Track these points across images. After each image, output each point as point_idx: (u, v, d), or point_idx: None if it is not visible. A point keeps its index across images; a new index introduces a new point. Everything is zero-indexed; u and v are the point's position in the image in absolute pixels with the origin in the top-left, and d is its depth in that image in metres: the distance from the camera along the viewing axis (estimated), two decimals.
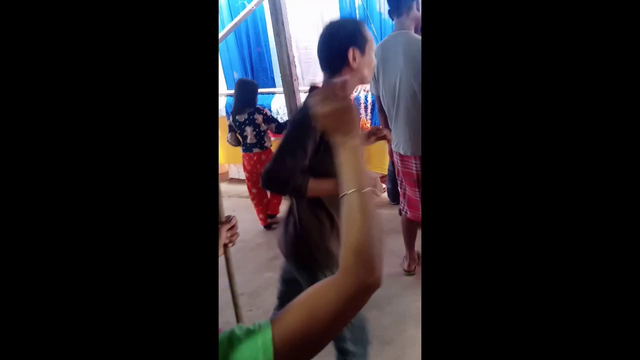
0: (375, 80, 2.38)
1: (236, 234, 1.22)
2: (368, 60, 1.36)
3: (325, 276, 1.41)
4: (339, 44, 1.32)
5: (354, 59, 1.32)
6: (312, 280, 1.53)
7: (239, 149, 3.69)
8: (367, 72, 1.38)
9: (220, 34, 4.11)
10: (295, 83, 3.37)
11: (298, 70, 3.51)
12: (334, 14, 3.92)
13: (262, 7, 3.96)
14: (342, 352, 1.49)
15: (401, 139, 2.33)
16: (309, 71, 4.10)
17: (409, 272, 2.77)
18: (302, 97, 3.59)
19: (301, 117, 1.32)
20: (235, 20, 3.94)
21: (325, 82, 1.39)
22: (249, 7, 3.82)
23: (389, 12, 2.25)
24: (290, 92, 3.38)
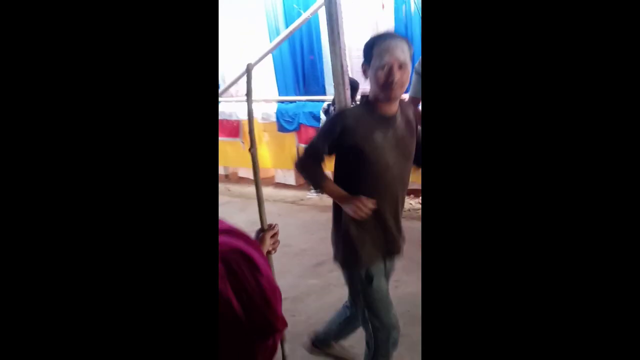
0: None
1: (277, 241, 1.24)
2: (371, 74, 1.40)
3: (362, 277, 1.49)
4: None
5: (364, 72, 1.44)
6: (351, 280, 1.57)
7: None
8: (374, 86, 1.41)
9: (275, 41, 4.20)
10: (347, 92, 3.38)
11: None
12: (389, 24, 3.91)
13: (317, 16, 4.01)
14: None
15: None
16: (362, 80, 4.10)
17: None
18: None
19: (334, 114, 1.60)
20: (291, 27, 4.00)
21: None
22: (304, 15, 3.87)
23: None
24: (341, 101, 3.39)
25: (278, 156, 4.57)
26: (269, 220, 1.25)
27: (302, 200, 4.45)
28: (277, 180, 4.98)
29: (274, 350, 0.87)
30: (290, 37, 4.22)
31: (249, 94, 1.21)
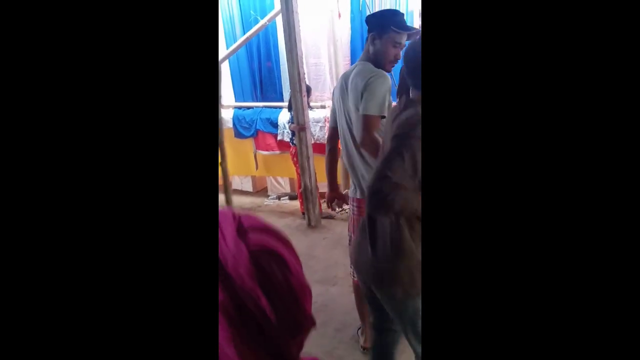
0: (332, 110, 2.09)
1: None
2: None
3: (408, 302, 1.33)
4: None
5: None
6: (406, 308, 1.36)
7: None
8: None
9: (232, 47, 4.17)
10: (304, 98, 3.41)
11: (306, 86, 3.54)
12: (345, 33, 3.98)
13: (275, 23, 4.02)
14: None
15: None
16: (318, 87, 4.14)
17: (364, 350, 2.19)
18: (310, 113, 3.63)
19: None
20: (248, 34, 4.00)
21: None
22: (261, 22, 3.88)
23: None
24: (299, 107, 3.41)
25: (235, 163, 4.53)
26: None
27: (259, 206, 4.43)
28: (234, 187, 4.93)
29: (300, 348, 0.86)
30: (247, 44, 4.22)
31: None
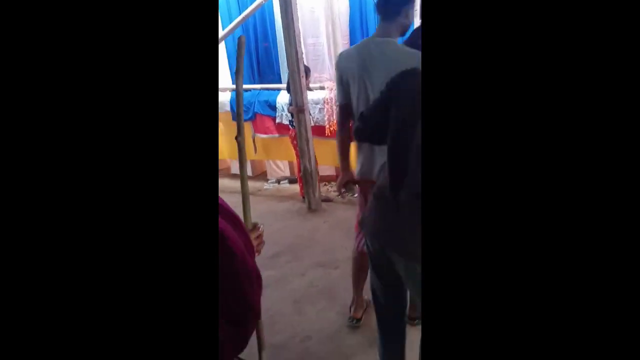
0: (343, 87, 1.93)
1: (262, 242, 1.15)
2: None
3: (417, 265, 1.33)
4: None
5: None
6: (416, 270, 1.36)
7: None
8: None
9: (228, 28, 4.07)
10: (302, 79, 3.33)
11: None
12: (343, 10, 3.88)
13: (271, 3, 3.92)
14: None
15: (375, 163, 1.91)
16: (316, 68, 4.05)
17: (353, 320, 2.17)
18: (309, 93, 3.55)
19: None
20: (244, 14, 3.90)
21: None
22: (258, 1, 3.77)
23: (376, 9, 1.87)
24: (297, 88, 3.33)
25: (234, 146, 4.46)
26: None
27: (259, 191, 4.38)
28: (233, 172, 4.88)
29: (243, 342, 0.79)
30: (243, 24, 4.11)
31: (239, 71, 1.06)
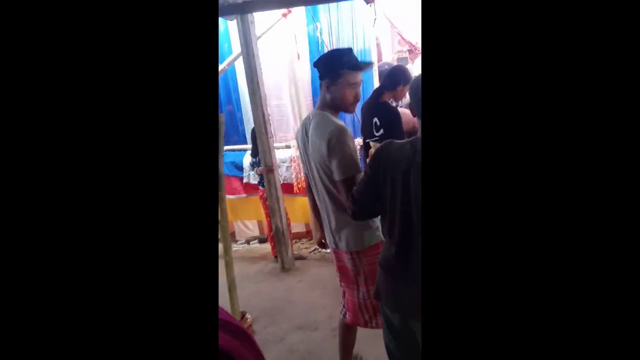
0: (301, 157, 1.96)
1: (253, 332, 1.10)
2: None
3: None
4: None
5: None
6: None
7: None
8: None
9: None
10: (270, 140, 3.38)
11: (271, 128, 3.53)
12: (305, 74, 4.02)
13: (234, 67, 4.03)
14: None
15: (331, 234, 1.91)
16: (281, 128, 4.13)
17: None
18: (276, 153, 3.60)
19: None
20: None
21: None
22: (221, 66, 3.87)
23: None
24: (266, 149, 3.37)
25: None
26: None
27: None
28: None
29: None
30: None
31: (220, 153, 1.05)
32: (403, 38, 4.91)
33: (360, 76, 1.75)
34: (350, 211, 1.51)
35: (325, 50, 3.75)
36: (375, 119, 2.76)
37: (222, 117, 1.09)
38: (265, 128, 3.28)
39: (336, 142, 1.64)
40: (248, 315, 1.07)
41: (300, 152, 1.95)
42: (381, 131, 2.74)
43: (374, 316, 1.88)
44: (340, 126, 1.68)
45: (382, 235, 1.72)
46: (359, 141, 3.10)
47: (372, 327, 1.91)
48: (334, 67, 1.69)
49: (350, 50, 1.78)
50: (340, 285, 2.00)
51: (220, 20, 3.61)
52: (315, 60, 1.81)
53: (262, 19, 3.62)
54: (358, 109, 3.06)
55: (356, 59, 1.74)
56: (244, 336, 0.69)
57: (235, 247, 4.40)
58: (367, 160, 2.80)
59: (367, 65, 1.81)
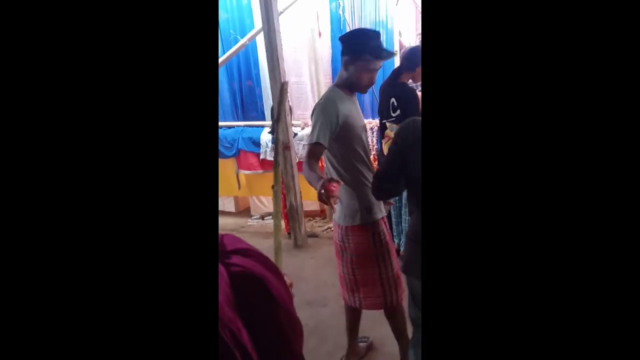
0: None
1: (292, 295, 1.14)
2: None
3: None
4: None
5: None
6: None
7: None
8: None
9: None
10: (288, 117, 3.38)
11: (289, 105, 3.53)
12: (325, 51, 3.99)
13: (255, 42, 4.01)
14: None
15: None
16: (300, 106, 4.12)
17: None
18: (293, 130, 3.61)
19: None
20: (228, 53, 3.98)
21: None
22: (242, 41, 3.87)
23: None
24: (283, 126, 3.38)
25: (221, 183, 4.47)
26: None
27: (243, 227, 4.36)
28: (220, 208, 4.85)
29: None
30: (227, 63, 4.19)
31: (279, 118, 1.07)
32: None
33: (380, 63, 1.75)
34: (375, 188, 1.54)
35: (347, 29, 3.71)
36: (393, 100, 2.74)
37: (286, 84, 1.11)
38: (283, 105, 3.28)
39: (315, 111, 1.74)
40: (286, 278, 1.11)
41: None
42: (398, 112, 2.72)
43: (352, 293, 1.92)
44: (330, 98, 1.73)
45: (374, 218, 1.78)
46: (369, 121, 3.07)
47: (353, 305, 1.97)
48: (357, 49, 1.70)
49: (378, 34, 1.77)
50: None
51: None
52: (340, 35, 1.84)
53: None
54: (377, 89, 3.04)
55: (381, 45, 1.74)
56: (277, 271, 0.70)
57: (249, 222, 4.47)
58: (383, 140, 2.79)
59: (390, 54, 1.79)
